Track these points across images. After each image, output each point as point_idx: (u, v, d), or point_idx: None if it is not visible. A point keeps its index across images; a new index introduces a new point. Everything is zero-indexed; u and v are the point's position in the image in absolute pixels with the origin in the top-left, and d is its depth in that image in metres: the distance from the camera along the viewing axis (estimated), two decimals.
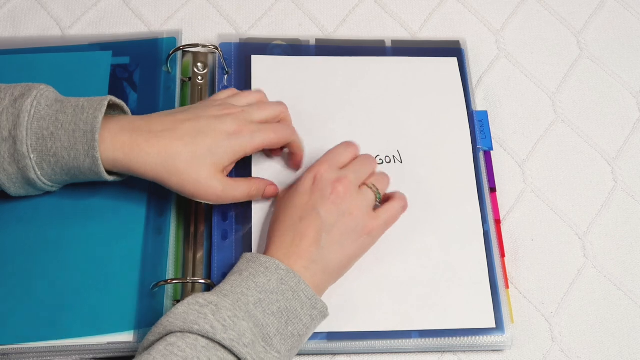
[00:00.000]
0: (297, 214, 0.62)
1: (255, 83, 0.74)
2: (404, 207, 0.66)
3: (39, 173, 0.60)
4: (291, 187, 0.65)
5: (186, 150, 0.60)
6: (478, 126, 0.74)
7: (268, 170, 0.70)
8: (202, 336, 0.53)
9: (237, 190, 0.63)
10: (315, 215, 0.61)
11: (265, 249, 0.62)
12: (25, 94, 0.59)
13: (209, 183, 0.61)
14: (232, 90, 0.68)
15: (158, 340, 0.54)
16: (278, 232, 0.62)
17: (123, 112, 0.64)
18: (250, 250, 0.66)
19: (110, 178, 0.61)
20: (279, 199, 0.66)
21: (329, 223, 0.61)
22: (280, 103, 0.67)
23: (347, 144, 0.67)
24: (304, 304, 0.58)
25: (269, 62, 0.76)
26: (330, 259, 0.61)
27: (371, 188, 0.64)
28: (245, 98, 0.66)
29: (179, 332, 0.53)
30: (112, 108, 0.63)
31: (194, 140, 0.60)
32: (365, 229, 0.62)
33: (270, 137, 0.63)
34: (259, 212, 0.68)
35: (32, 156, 0.59)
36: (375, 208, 0.64)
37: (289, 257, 0.60)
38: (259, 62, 0.75)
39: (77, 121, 0.59)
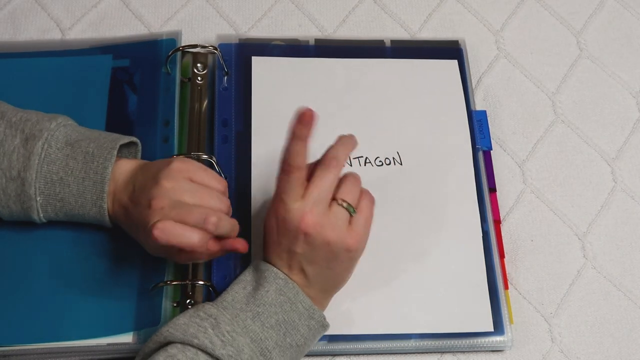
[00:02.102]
0: (276, 249, 0.59)
1: (255, 84, 0.74)
2: (373, 200, 0.61)
3: (41, 215, 0.61)
4: (267, 215, 0.60)
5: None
6: (477, 126, 0.74)
7: (268, 170, 0.70)
8: (202, 350, 0.53)
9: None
10: (292, 254, 0.58)
11: (265, 251, 0.61)
12: (36, 135, 0.59)
13: None
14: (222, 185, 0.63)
15: (157, 349, 0.54)
16: (273, 244, 0.59)
17: (133, 143, 0.65)
18: (250, 253, 0.66)
19: (111, 225, 0.63)
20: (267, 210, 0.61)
21: (308, 258, 0.58)
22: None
23: (290, 165, 0.57)
24: (302, 314, 0.58)
25: (269, 63, 0.76)
26: (323, 281, 0.60)
27: (341, 205, 0.58)
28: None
29: (180, 343, 0.53)
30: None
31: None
32: (348, 250, 0.58)
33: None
34: (258, 214, 0.68)
35: (38, 199, 0.60)
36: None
37: (287, 270, 0.59)
38: (259, 64, 0.75)
39: (87, 169, 0.60)
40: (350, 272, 0.62)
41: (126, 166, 0.62)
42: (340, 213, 0.58)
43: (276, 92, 0.74)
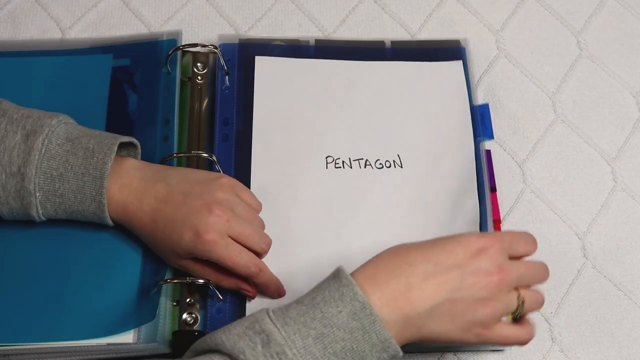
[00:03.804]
0: (433, 259, 0.53)
1: (257, 84, 0.74)
2: (522, 342, 0.57)
3: (40, 212, 0.61)
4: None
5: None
6: (479, 118, 0.74)
7: (268, 169, 0.70)
8: None
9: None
10: (450, 281, 0.53)
11: (368, 262, 0.55)
12: (37, 131, 0.60)
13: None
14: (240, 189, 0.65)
15: (207, 351, 0.51)
16: (393, 260, 0.54)
17: (133, 144, 0.65)
18: None
19: (112, 223, 0.62)
20: None
21: (454, 297, 0.52)
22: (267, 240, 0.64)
23: (530, 237, 0.58)
24: (374, 346, 0.51)
25: (272, 63, 0.75)
26: (428, 327, 0.53)
27: (518, 299, 0.55)
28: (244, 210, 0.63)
29: (227, 355, 0.50)
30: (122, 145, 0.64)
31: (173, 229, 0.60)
32: (480, 327, 0.53)
33: (235, 260, 0.60)
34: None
35: (37, 194, 0.60)
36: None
37: (381, 295, 0.52)
38: (262, 63, 0.75)
39: (86, 165, 0.60)
40: (450, 344, 0.57)
41: (139, 164, 0.63)
42: (511, 302, 0.55)
43: (278, 92, 0.74)
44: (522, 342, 0.57)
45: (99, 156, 0.60)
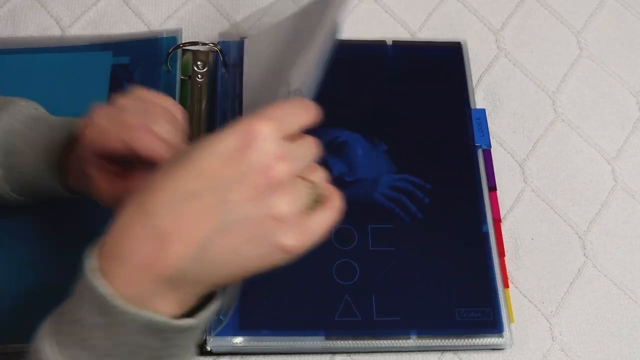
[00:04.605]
0: (179, 193, 0.39)
1: (247, 65, 0.74)
2: (337, 217, 0.43)
3: (7, 189, 0.59)
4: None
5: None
6: (476, 124, 0.74)
7: None
8: None
9: None
10: (209, 209, 0.38)
11: (113, 226, 0.42)
12: (2, 108, 0.58)
13: None
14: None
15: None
16: (134, 216, 0.41)
17: None
18: None
19: (71, 195, 0.60)
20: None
21: (228, 226, 0.39)
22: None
23: (305, 105, 0.43)
24: (141, 332, 0.40)
25: (262, 38, 0.75)
26: (211, 276, 0.40)
27: (309, 187, 0.42)
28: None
29: None
30: None
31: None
32: (284, 244, 0.40)
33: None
34: None
35: (0, 171, 0.58)
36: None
37: (128, 272, 0.40)
38: (252, 42, 0.75)
39: (44, 139, 0.58)
40: (254, 272, 0.41)
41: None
42: (302, 192, 0.41)
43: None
44: (336, 218, 0.43)
45: (58, 130, 0.58)
